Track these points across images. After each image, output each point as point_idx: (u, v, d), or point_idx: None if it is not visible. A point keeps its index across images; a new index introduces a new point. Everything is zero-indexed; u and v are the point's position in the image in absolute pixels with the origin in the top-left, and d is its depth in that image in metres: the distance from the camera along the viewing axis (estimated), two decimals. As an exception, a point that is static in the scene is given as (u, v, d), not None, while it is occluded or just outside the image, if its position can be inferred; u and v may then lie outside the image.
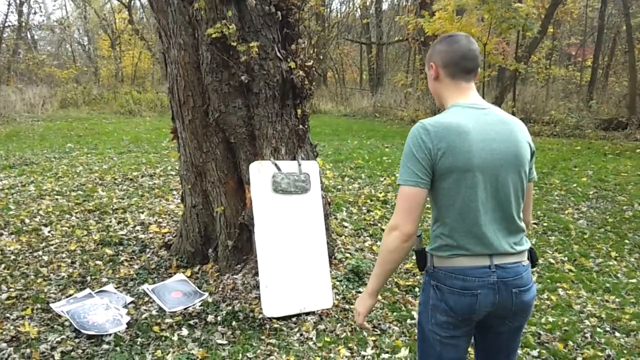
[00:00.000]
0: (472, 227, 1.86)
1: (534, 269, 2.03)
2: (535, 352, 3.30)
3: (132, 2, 25.42)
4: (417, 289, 4.10)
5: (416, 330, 2.16)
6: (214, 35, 3.69)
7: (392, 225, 1.85)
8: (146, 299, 3.86)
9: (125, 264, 4.48)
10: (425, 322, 2.00)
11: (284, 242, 3.75)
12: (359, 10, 24.75)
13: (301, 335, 3.44)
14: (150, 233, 5.17)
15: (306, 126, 4.24)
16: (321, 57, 19.76)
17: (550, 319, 3.74)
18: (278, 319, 3.57)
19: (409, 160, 1.83)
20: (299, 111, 4.14)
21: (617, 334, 3.60)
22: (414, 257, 4.84)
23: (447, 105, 1.96)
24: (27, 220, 5.41)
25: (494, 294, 1.87)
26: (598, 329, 3.65)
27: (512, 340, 2.05)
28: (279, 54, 3.93)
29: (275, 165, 3.83)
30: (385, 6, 25.28)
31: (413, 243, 1.88)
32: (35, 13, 26.01)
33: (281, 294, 3.62)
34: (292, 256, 3.75)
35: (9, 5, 22.22)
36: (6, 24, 22.09)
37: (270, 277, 3.63)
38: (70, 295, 3.84)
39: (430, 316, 1.96)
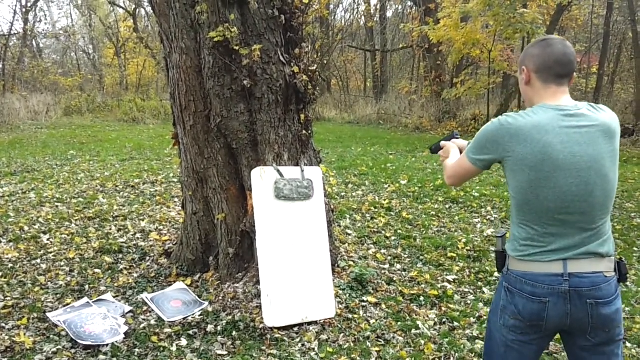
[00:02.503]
0: (548, 228, 1.85)
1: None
2: (545, 364, 3.21)
3: (137, 10, 25.55)
4: (422, 298, 4.01)
5: (485, 330, 2.25)
6: (216, 39, 3.63)
7: (446, 175, 2.16)
8: (145, 308, 3.78)
9: (125, 272, 4.39)
10: (494, 321, 2.04)
11: (286, 249, 3.66)
12: (363, 17, 24.78)
13: (303, 345, 3.35)
14: (150, 241, 5.09)
15: (310, 132, 4.17)
16: (325, 62, 19.74)
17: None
18: (279, 328, 3.48)
19: (477, 142, 1.96)
20: (302, 116, 4.06)
21: (628, 344, 3.49)
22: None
23: None
24: (26, 228, 5.34)
25: (565, 304, 1.84)
26: (609, 340, 3.54)
27: (601, 358, 1.95)
28: (282, 58, 3.86)
29: (278, 171, 3.74)
30: (389, 14, 25.33)
31: None
32: (40, 21, 26.10)
33: (283, 303, 3.53)
34: (295, 264, 3.66)
35: (15, 13, 22.34)
36: (12, 32, 22.21)
37: (272, 286, 3.54)
38: (68, 305, 3.76)
39: (500, 317, 1.99)
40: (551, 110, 1.84)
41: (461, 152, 2.27)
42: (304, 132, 4.07)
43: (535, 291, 1.86)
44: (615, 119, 1.91)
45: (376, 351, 3.29)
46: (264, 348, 3.29)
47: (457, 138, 2.37)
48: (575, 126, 1.82)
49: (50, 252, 4.75)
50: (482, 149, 1.93)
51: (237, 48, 3.65)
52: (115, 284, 4.16)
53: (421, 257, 4.87)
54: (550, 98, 1.89)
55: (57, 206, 6.18)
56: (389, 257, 4.85)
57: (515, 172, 1.85)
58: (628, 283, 4.46)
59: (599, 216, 1.87)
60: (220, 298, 3.86)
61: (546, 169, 1.80)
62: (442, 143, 2.36)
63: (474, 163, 1.97)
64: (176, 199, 6.55)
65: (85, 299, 3.83)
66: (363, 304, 3.89)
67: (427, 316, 3.77)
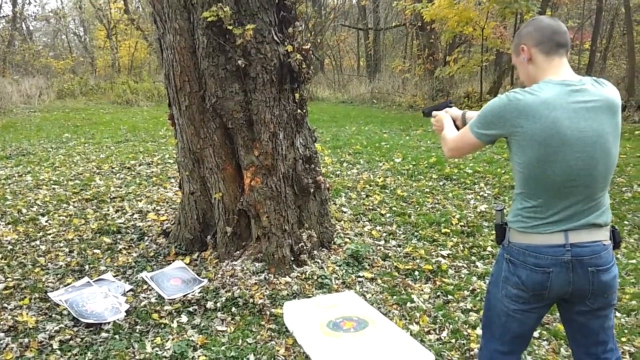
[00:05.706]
0: (551, 200, 1.91)
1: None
2: (536, 333, 3.28)
3: (127, -9, 25.18)
4: (416, 273, 4.08)
5: (484, 300, 2.29)
6: (209, 19, 3.64)
7: (447, 147, 2.19)
8: (145, 286, 3.84)
9: (124, 252, 4.45)
10: (494, 292, 2.10)
11: None
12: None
13: (301, 320, 3.42)
14: (148, 221, 5.14)
15: (304, 110, 4.19)
16: (319, 40, 19.61)
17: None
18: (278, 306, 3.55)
19: (483, 117, 1.97)
20: (297, 95, 4.09)
21: (617, 314, 3.58)
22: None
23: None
24: (24, 210, 5.38)
25: (568, 272, 1.91)
26: (599, 310, 3.63)
27: (597, 322, 2.04)
28: (275, 38, 3.87)
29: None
30: (382, -9, 25.08)
31: None
32: (30, 3, 25.89)
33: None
34: None
35: (3, -5, 22.03)
36: (0, 15, 21.95)
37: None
38: (69, 284, 3.82)
39: (501, 287, 2.06)
40: (557, 86, 1.87)
41: (454, 122, 2.32)
42: (299, 111, 4.10)
43: (538, 262, 1.93)
44: (617, 93, 1.95)
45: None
46: (263, 323, 3.36)
47: (451, 107, 2.40)
48: (581, 101, 1.86)
49: (49, 234, 4.79)
50: (488, 124, 1.95)
51: (230, 28, 3.66)
52: (115, 264, 4.21)
53: (416, 233, 4.94)
54: (553, 72, 1.92)
55: (54, 188, 6.21)
56: (384, 234, 4.92)
57: (524, 147, 1.88)
58: (619, 255, 4.55)
59: (600, 189, 1.94)
60: (219, 275, 3.92)
61: (554, 144, 1.84)
62: (434, 113, 2.40)
63: (479, 137, 2.00)
64: (172, 180, 6.58)
65: (86, 279, 3.89)
66: (359, 279, 3.97)
67: (422, 290, 3.85)
